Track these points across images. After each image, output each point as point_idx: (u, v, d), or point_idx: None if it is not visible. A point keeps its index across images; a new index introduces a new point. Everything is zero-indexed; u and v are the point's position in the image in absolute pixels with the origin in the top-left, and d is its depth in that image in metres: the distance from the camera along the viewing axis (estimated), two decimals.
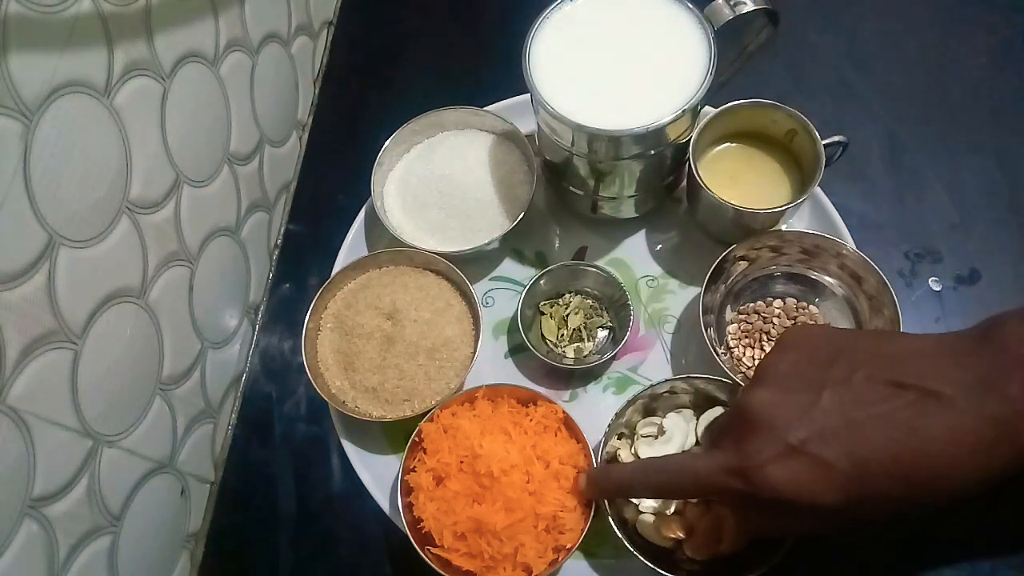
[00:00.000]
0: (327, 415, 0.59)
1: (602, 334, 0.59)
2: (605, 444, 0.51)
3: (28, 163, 0.39)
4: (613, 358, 0.58)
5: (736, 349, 0.57)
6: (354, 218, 0.64)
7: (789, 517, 0.37)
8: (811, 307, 0.57)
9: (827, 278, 0.57)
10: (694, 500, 0.50)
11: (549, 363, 0.57)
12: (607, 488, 0.48)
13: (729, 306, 0.58)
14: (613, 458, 0.53)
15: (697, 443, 0.53)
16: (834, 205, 0.59)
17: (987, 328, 0.36)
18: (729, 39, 0.52)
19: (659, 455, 0.52)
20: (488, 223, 0.59)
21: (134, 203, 0.48)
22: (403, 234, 0.60)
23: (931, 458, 0.34)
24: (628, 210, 0.60)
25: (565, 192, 0.60)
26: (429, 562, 0.48)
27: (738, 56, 0.54)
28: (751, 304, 0.58)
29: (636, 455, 0.53)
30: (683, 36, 0.49)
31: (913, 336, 0.39)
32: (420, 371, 0.55)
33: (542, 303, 0.60)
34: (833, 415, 0.35)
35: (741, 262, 0.57)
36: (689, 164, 0.55)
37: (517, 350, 0.60)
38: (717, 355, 0.53)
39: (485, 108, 0.63)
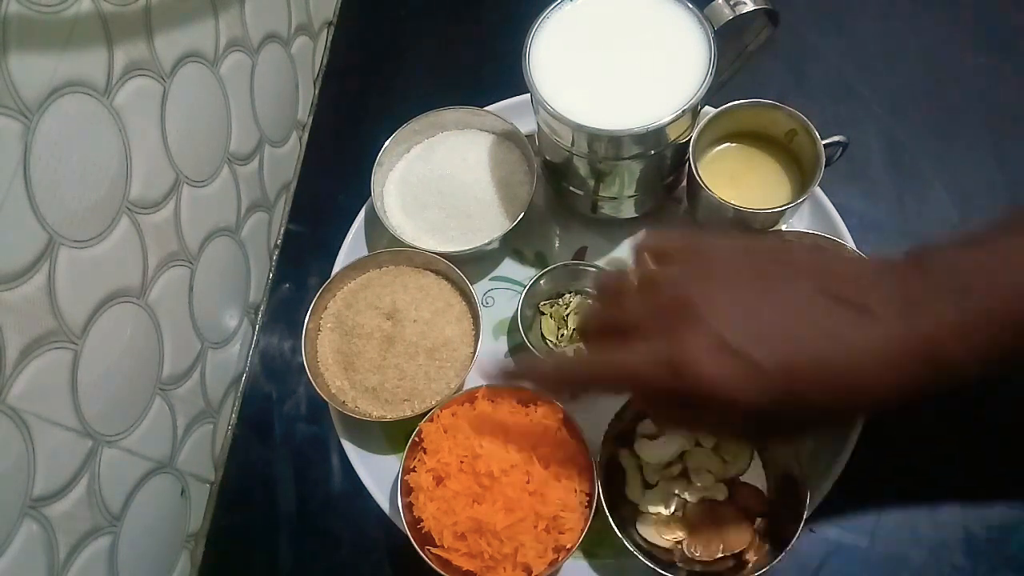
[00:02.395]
0: (327, 415, 0.59)
1: None
2: (605, 444, 0.51)
3: (28, 163, 0.39)
4: None
5: None
6: (354, 218, 0.64)
7: (709, 412, 0.38)
8: None
9: None
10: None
11: None
12: (517, 375, 0.48)
13: None
14: (613, 458, 0.53)
15: (698, 444, 0.53)
16: (834, 205, 0.59)
17: (921, 253, 0.38)
18: (729, 39, 0.52)
19: (661, 450, 0.52)
20: (488, 223, 0.59)
21: (134, 203, 0.48)
22: (403, 234, 0.60)
23: (854, 370, 0.35)
24: (628, 210, 0.60)
25: (565, 192, 0.60)
26: (429, 562, 0.48)
27: (738, 56, 0.54)
28: None
29: (637, 456, 0.53)
30: (683, 36, 0.49)
31: (859, 258, 0.42)
32: (420, 371, 0.55)
33: (542, 303, 0.60)
34: (772, 320, 0.36)
35: None
36: (689, 164, 0.55)
37: (517, 350, 0.60)
38: None
39: (485, 108, 0.63)
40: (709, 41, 0.49)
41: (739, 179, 0.57)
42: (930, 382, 0.35)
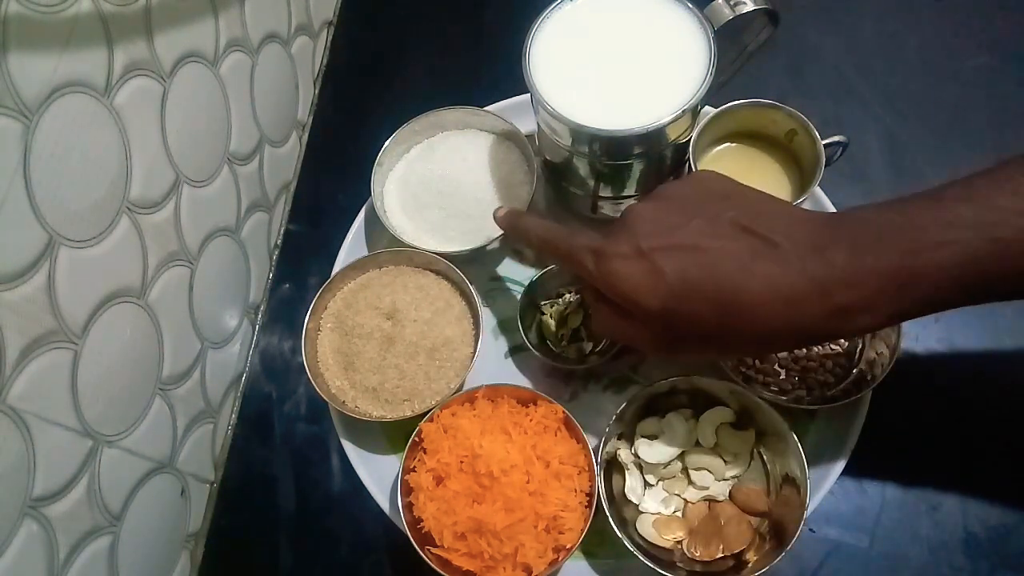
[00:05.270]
0: (327, 415, 0.59)
1: None
2: (605, 444, 0.51)
3: (28, 163, 0.39)
4: (613, 358, 0.58)
5: None
6: (354, 218, 0.64)
7: (622, 312, 0.42)
8: None
9: None
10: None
11: (549, 363, 0.57)
12: (513, 225, 0.52)
13: None
14: (613, 458, 0.53)
15: (697, 444, 0.53)
16: (834, 205, 0.59)
17: (845, 210, 0.40)
18: (729, 39, 0.52)
19: (661, 450, 0.52)
20: (488, 223, 0.59)
21: (134, 203, 0.48)
22: (403, 234, 0.60)
23: (748, 295, 0.38)
24: None
25: (565, 192, 0.60)
26: (429, 562, 0.48)
27: (738, 56, 0.54)
28: None
29: (637, 456, 0.53)
30: (683, 36, 0.49)
31: (793, 206, 0.43)
32: (420, 371, 0.55)
33: (542, 303, 0.60)
34: (686, 239, 0.40)
35: None
36: (689, 164, 0.55)
37: (517, 350, 0.60)
38: None
39: (485, 108, 0.63)
40: (709, 41, 0.49)
41: (739, 179, 0.56)
42: (823, 326, 0.37)
